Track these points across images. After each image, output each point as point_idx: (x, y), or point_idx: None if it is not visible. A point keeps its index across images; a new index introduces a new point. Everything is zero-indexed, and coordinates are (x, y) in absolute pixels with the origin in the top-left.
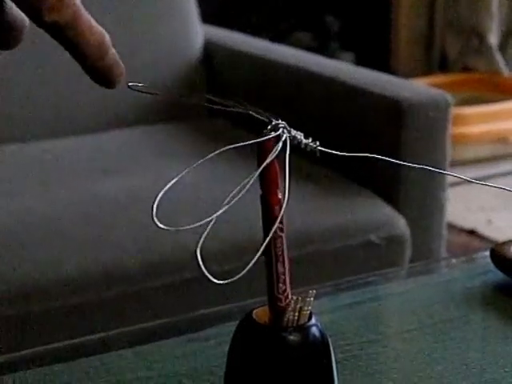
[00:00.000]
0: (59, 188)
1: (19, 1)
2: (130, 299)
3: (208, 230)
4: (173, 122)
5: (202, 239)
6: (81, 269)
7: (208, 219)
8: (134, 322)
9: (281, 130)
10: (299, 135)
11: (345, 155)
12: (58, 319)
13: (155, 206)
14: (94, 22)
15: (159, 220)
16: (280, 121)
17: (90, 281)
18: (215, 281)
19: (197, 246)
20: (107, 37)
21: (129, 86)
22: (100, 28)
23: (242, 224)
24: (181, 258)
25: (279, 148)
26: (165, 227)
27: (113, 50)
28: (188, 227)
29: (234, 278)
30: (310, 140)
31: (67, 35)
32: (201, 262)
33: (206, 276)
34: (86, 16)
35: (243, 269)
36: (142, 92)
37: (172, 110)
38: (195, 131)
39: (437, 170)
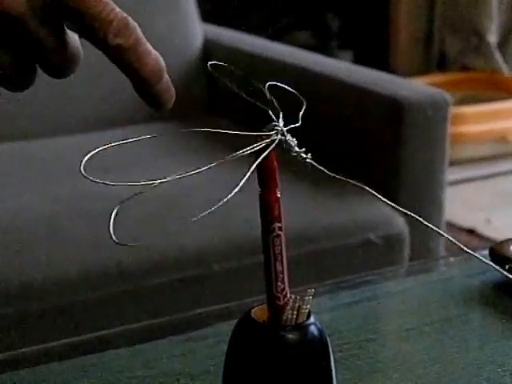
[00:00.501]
0: (59, 186)
1: (84, 26)
2: (129, 298)
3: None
4: (173, 120)
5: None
6: (80, 267)
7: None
8: (133, 321)
9: (274, 133)
10: (293, 142)
11: (336, 176)
12: (56, 317)
13: (111, 222)
14: (151, 48)
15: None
16: (280, 120)
17: (89, 279)
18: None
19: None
20: (163, 63)
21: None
22: (157, 54)
23: (242, 223)
24: (179, 257)
25: (270, 150)
26: (121, 243)
27: (167, 76)
28: (144, 243)
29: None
30: (303, 150)
31: (129, 59)
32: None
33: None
34: (146, 42)
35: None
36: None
37: (172, 108)
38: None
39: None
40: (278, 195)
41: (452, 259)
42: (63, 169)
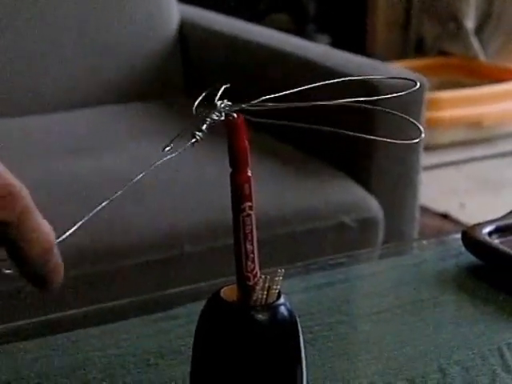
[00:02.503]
0: (30, 167)
1: None
2: (102, 278)
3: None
4: (148, 100)
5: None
6: None
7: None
8: (105, 302)
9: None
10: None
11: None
12: (27, 297)
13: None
14: (42, 223)
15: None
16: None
17: (62, 260)
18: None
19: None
20: (53, 240)
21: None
22: (47, 229)
23: (215, 204)
24: (152, 238)
25: (207, 126)
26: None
27: (56, 256)
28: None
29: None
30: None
31: (12, 236)
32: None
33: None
34: (35, 212)
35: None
36: None
37: (147, 87)
38: (170, 109)
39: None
40: (249, 175)
41: (425, 242)
42: (34, 149)
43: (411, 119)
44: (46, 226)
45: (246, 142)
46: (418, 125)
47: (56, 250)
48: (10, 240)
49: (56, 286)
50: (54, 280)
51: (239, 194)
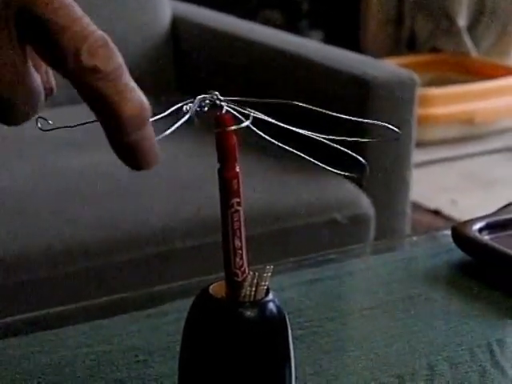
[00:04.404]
0: (22, 162)
1: (51, 42)
2: (93, 275)
3: None
4: None
5: None
6: (42, 244)
7: None
8: (95, 298)
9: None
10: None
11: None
12: (18, 293)
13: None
14: (137, 87)
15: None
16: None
17: (51, 256)
18: None
19: None
20: (148, 108)
21: None
22: (142, 95)
23: (206, 201)
24: (143, 235)
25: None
26: None
27: (151, 128)
28: None
29: None
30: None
31: (106, 89)
32: None
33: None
34: (130, 77)
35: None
36: None
37: (139, 84)
38: (162, 106)
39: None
40: (237, 170)
41: (416, 239)
42: (26, 144)
43: (385, 124)
44: (140, 92)
45: (234, 138)
46: (392, 128)
47: (150, 125)
48: (102, 94)
49: (152, 165)
50: (149, 154)
51: (227, 190)
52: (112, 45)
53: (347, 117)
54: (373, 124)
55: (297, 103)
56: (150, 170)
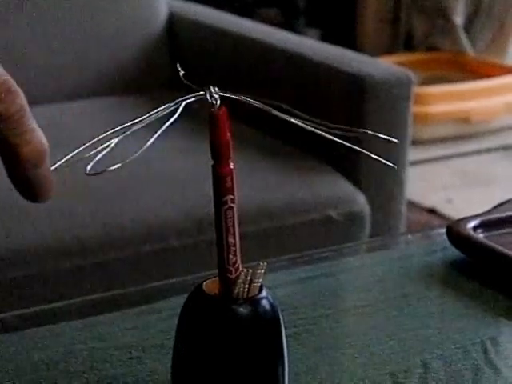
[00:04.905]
0: None
1: None
2: (87, 272)
3: None
4: (136, 93)
5: None
6: (37, 241)
7: None
8: (89, 295)
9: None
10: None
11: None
12: (12, 289)
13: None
14: (38, 128)
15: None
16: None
17: (46, 252)
18: None
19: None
20: (47, 145)
21: None
22: (42, 135)
23: (201, 198)
24: (138, 232)
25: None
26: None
27: (48, 164)
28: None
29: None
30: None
31: (6, 132)
32: None
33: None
34: (31, 120)
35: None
36: None
37: (135, 81)
38: (157, 103)
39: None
40: (231, 167)
41: (411, 237)
42: None
43: (380, 135)
44: (40, 132)
45: (228, 135)
46: (389, 138)
47: (48, 162)
48: (3, 136)
49: (46, 198)
50: (45, 189)
51: (221, 187)
52: (15, 88)
53: (338, 126)
54: (367, 128)
55: (286, 107)
56: (47, 200)
